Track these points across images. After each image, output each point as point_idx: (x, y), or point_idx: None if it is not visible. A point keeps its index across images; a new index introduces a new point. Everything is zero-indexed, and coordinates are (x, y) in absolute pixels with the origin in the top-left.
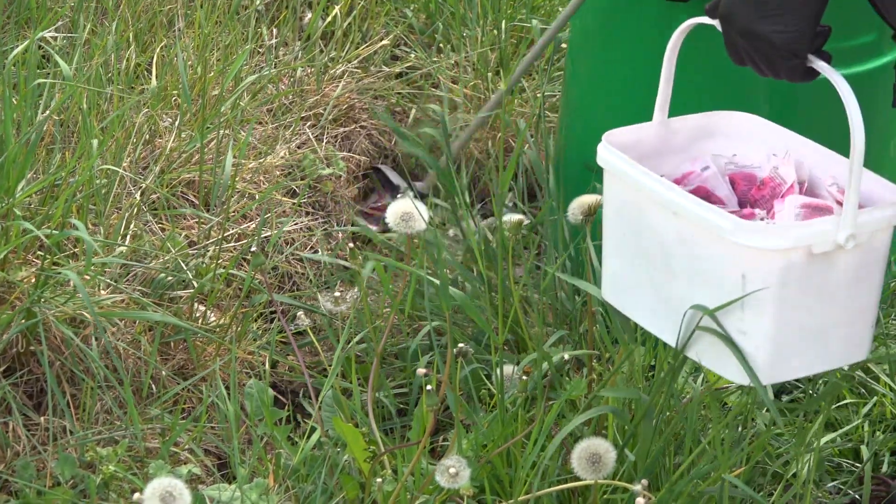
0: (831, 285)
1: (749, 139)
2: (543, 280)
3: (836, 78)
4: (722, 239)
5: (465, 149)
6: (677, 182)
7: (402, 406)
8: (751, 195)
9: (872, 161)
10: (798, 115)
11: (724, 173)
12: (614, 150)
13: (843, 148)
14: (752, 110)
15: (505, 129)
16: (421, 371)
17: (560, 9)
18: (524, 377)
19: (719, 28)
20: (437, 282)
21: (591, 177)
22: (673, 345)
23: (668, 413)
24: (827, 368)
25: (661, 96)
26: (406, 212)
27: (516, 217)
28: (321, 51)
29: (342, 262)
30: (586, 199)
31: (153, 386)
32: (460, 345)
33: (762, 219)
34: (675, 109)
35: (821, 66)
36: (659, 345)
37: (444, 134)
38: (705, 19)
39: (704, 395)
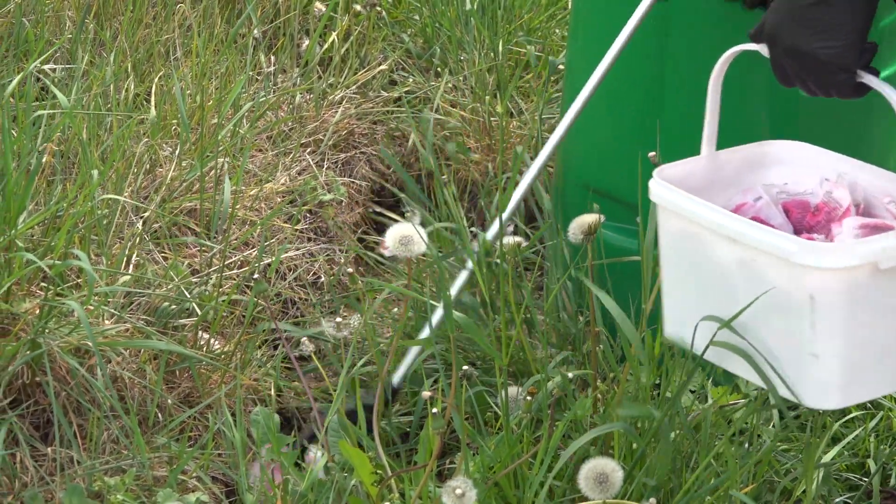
0: None
1: (799, 166)
2: (546, 300)
3: (888, 91)
4: (787, 262)
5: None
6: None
7: (407, 429)
8: (806, 222)
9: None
10: (799, 129)
11: (777, 202)
12: (667, 184)
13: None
14: (753, 124)
15: (504, 153)
16: (426, 394)
17: (557, 30)
18: (528, 398)
19: (764, 52)
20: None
21: (590, 197)
22: (740, 375)
23: (678, 431)
24: None
25: (707, 129)
26: (405, 235)
27: (515, 239)
28: (319, 77)
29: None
30: (586, 219)
31: (159, 414)
32: (465, 367)
33: None
34: (677, 126)
35: (870, 80)
36: (664, 363)
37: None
38: (750, 46)
39: (706, 411)
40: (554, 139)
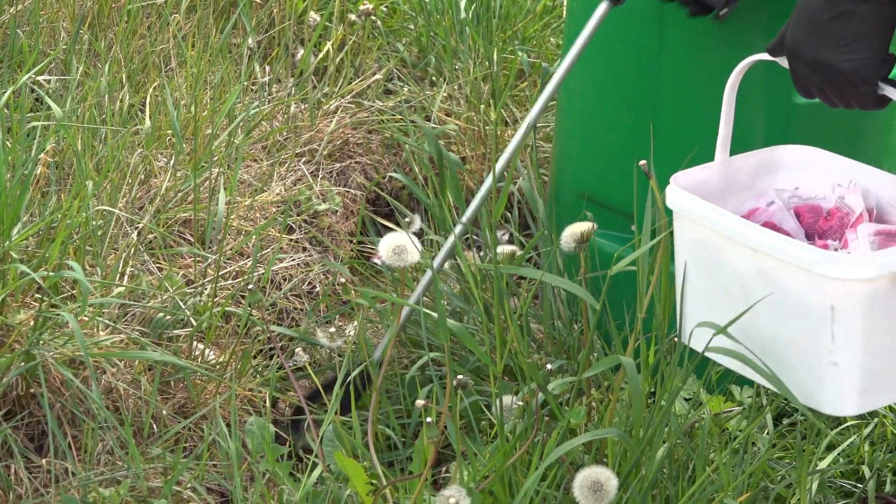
0: None
1: (811, 171)
2: (543, 309)
3: None
4: (807, 272)
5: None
6: (744, 219)
7: (402, 438)
8: (818, 227)
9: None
10: (795, 132)
11: (789, 207)
12: (684, 192)
13: None
14: (748, 129)
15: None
16: (420, 403)
17: (551, 39)
18: (521, 404)
19: (782, 64)
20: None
21: (585, 206)
22: (761, 382)
23: (676, 441)
24: None
25: (721, 136)
26: (399, 245)
27: (509, 248)
28: (314, 86)
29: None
30: (578, 227)
31: (154, 425)
32: (459, 376)
33: (835, 249)
34: (673, 130)
35: (891, 91)
36: (658, 371)
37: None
38: (766, 56)
39: (699, 417)
40: (512, 146)
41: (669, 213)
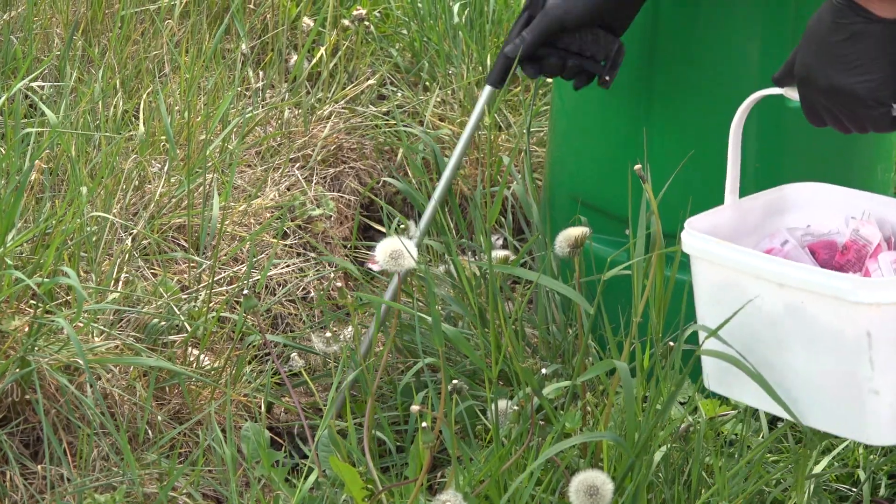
0: None
1: (822, 207)
2: (537, 313)
3: None
4: (839, 301)
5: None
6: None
7: (399, 443)
8: (835, 262)
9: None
10: (787, 154)
11: (803, 245)
12: (702, 234)
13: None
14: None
15: (491, 166)
16: (415, 408)
17: None
18: (516, 408)
19: (789, 96)
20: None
21: (579, 210)
22: (796, 421)
23: (671, 445)
24: None
25: (730, 178)
26: (395, 250)
27: (502, 253)
28: (308, 92)
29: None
30: (572, 232)
31: (149, 431)
32: (454, 381)
33: None
34: (667, 135)
35: None
36: (654, 375)
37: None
38: (773, 90)
39: (695, 422)
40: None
41: (685, 255)
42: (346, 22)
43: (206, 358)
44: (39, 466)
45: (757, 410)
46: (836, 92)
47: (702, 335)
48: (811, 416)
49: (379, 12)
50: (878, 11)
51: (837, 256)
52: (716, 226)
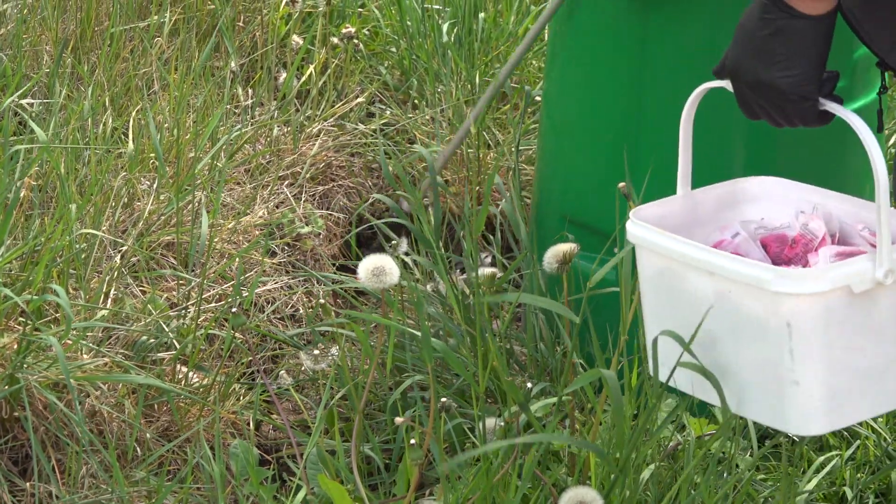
0: (876, 324)
1: (775, 201)
2: (526, 331)
3: (851, 118)
4: (762, 291)
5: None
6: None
7: (387, 461)
8: (784, 255)
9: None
10: (777, 161)
11: (755, 238)
12: (643, 223)
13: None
14: (729, 158)
15: (480, 184)
16: (399, 420)
17: (534, 62)
18: (503, 425)
19: (729, 88)
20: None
21: (567, 228)
22: (726, 408)
23: (659, 464)
24: (889, 409)
25: (681, 169)
26: (377, 266)
27: (489, 270)
28: (297, 110)
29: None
30: (561, 248)
31: (138, 448)
32: (443, 399)
33: None
34: (654, 153)
35: (834, 107)
36: (642, 394)
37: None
38: (715, 83)
39: (684, 440)
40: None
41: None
42: (335, 40)
43: (195, 375)
44: (28, 484)
45: (746, 427)
46: (761, 86)
47: (647, 326)
48: (743, 406)
49: (368, 30)
50: (801, 8)
51: (787, 250)
52: (663, 216)
